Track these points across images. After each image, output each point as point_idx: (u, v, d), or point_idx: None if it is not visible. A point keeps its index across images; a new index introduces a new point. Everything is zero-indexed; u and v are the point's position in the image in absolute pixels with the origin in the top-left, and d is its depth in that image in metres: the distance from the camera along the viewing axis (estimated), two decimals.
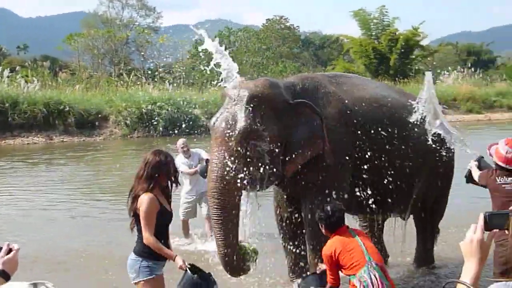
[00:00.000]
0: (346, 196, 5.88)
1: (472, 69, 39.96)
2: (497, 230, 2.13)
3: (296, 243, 6.26)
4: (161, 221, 4.81)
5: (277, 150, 5.53)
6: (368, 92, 6.37)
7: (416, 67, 44.82)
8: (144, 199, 4.73)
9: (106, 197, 12.78)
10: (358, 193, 6.03)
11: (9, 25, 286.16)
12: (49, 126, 23.92)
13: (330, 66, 52.64)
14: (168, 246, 4.86)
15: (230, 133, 5.42)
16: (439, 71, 44.85)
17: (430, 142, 6.31)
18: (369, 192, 6.07)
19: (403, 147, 6.22)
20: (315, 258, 5.80)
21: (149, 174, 4.76)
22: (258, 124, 5.45)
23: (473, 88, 33.87)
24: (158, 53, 44.70)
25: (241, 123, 5.42)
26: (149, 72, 44.02)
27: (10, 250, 2.44)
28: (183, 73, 40.51)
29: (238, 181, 5.35)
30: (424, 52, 44.16)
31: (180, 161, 8.74)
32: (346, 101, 6.02)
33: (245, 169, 5.37)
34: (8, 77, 25.95)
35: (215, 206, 5.39)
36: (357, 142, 5.95)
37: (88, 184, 14.81)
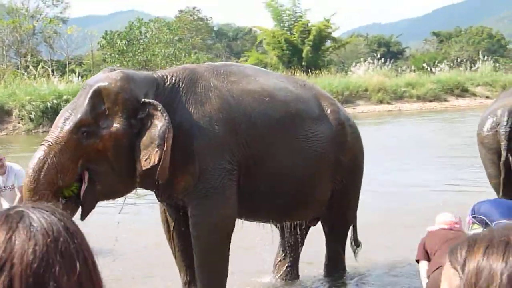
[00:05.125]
0: (233, 202, 5.34)
1: (382, 60, 40.52)
2: None
3: (189, 256, 5.61)
4: None
5: (121, 151, 5.01)
6: (260, 83, 5.69)
7: (328, 58, 45.29)
8: None
9: None
10: (249, 198, 5.47)
11: None
12: None
13: (243, 57, 52.54)
14: None
15: (64, 125, 4.96)
16: (350, 62, 45.44)
17: (334, 137, 5.86)
18: (263, 197, 5.53)
19: (300, 145, 5.66)
20: (202, 274, 5.33)
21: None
22: (97, 119, 4.95)
23: (384, 78, 34.18)
24: (67, 44, 43.44)
25: (76, 115, 4.94)
26: (57, 64, 42.75)
27: None
28: (92, 66, 39.53)
29: (59, 178, 4.84)
30: (335, 43, 44.63)
31: None
32: (230, 96, 5.42)
33: (73, 166, 4.91)
34: None
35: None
36: (243, 142, 5.37)
37: None
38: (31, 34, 42.82)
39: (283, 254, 6.50)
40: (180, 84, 5.31)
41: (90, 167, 4.98)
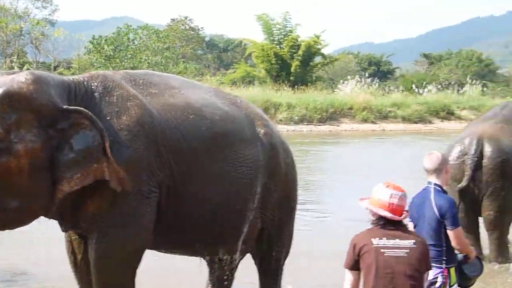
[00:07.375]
0: (148, 234, 4.60)
1: (370, 79, 40.28)
2: None
3: None
4: None
5: (39, 169, 4.13)
6: (186, 98, 4.96)
7: (317, 75, 45.08)
8: None
9: None
10: (170, 224, 4.76)
11: None
12: None
13: (232, 69, 52.32)
14: None
15: None
16: (339, 79, 45.21)
17: (266, 163, 5.18)
18: (185, 223, 4.82)
19: (226, 169, 4.93)
20: None
21: None
22: (8, 132, 4.03)
23: (370, 97, 33.98)
24: (53, 47, 42.98)
25: None
26: (43, 66, 42.34)
27: None
28: (78, 70, 39.09)
29: None
30: (324, 60, 44.43)
31: None
32: (151, 108, 4.63)
33: None
34: None
35: None
36: (165, 160, 4.63)
37: None
38: (18, 34, 42.42)
39: None
40: (94, 92, 4.55)
41: None
